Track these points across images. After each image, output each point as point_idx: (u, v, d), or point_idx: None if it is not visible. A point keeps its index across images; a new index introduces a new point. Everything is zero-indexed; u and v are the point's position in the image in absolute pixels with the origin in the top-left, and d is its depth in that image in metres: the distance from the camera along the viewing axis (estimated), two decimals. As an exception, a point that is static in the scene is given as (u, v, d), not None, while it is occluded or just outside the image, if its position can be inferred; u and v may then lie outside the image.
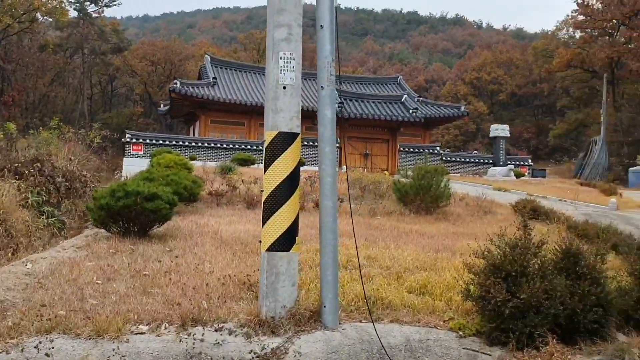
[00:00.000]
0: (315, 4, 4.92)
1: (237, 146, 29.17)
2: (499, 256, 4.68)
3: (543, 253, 4.84)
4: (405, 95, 34.25)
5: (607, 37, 44.84)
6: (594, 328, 4.44)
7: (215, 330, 4.58)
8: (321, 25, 4.89)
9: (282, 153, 4.65)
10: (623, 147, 42.14)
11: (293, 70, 4.75)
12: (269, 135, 4.72)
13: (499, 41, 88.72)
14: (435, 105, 37.90)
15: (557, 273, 4.70)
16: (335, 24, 4.93)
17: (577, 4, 45.15)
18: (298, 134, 4.77)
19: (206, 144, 29.64)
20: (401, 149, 31.93)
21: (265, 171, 4.73)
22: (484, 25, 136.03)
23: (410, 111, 31.60)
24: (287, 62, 4.73)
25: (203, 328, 4.61)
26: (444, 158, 32.87)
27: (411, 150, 31.72)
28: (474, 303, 4.77)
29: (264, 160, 4.76)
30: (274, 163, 4.66)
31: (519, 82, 64.22)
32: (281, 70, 4.72)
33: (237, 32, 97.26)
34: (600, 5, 43.69)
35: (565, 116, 56.87)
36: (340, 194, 16.42)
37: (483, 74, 65.73)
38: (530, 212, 13.71)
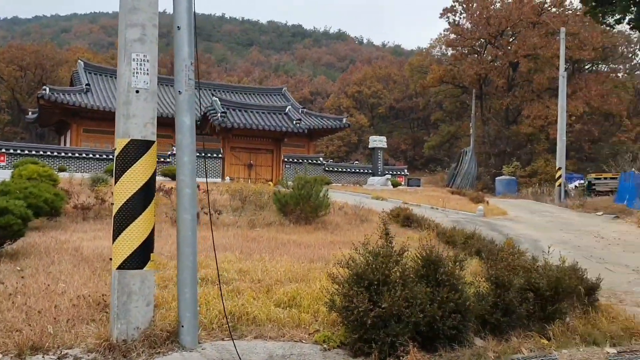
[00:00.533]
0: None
1: (111, 156, 27.66)
2: (361, 265, 4.65)
3: (404, 261, 4.88)
4: (289, 106, 34.42)
5: (476, 55, 48.22)
6: (452, 334, 4.52)
7: (58, 358, 4.12)
8: (178, 27, 4.63)
9: (135, 163, 4.30)
10: (490, 158, 45.38)
11: (147, 73, 4.43)
12: (119, 143, 4.35)
13: (378, 57, 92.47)
14: (318, 116, 38.47)
15: (418, 280, 4.76)
16: (193, 26, 4.68)
17: (449, 23, 48.29)
18: (153, 141, 4.45)
19: (77, 154, 27.90)
20: (285, 159, 32.01)
21: (115, 183, 4.35)
22: (365, 41, 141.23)
23: (294, 122, 31.78)
24: (140, 64, 4.40)
25: (43, 356, 4.12)
26: (326, 168, 33.41)
27: (295, 160, 31.91)
28: (339, 314, 4.70)
29: (114, 170, 4.38)
30: (126, 173, 4.30)
31: (396, 96, 67.30)
32: (134, 72, 4.38)
33: (115, 38, 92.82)
34: (469, 25, 46.95)
35: (439, 129, 60.30)
36: (219, 205, 15.96)
37: (364, 87, 68.06)
38: (404, 219, 14.19)
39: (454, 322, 4.52)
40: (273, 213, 14.27)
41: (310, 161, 32.59)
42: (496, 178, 38.28)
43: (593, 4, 11.47)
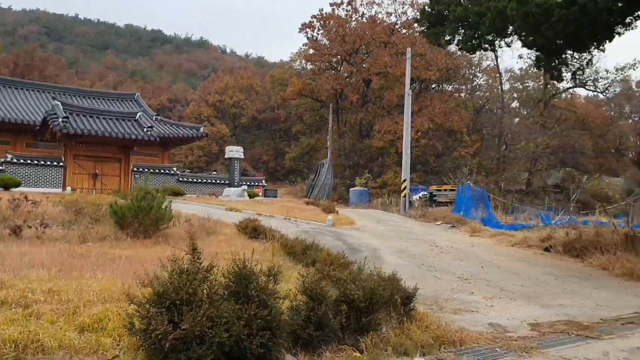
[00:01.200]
0: None
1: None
2: (163, 283, 4.27)
3: (214, 277, 4.58)
4: (140, 113, 32.77)
5: (333, 71, 49.71)
6: (261, 353, 4.30)
7: None
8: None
9: None
10: (346, 170, 46.89)
11: None
12: None
13: (241, 67, 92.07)
14: (174, 125, 37.16)
15: (227, 297, 4.48)
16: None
17: (308, 38, 49.34)
18: None
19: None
20: (135, 169, 30.40)
21: None
22: (228, 50, 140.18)
23: (145, 129, 30.28)
24: None
25: None
26: (181, 179, 32.27)
27: (146, 170, 30.40)
28: (138, 337, 4.27)
29: None
30: None
31: (259, 107, 67.45)
32: None
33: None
34: (326, 41, 48.29)
35: (299, 141, 61.33)
36: (50, 217, 14.52)
37: (226, 97, 67.31)
38: (252, 231, 13.94)
39: (262, 340, 4.29)
40: (110, 226, 13.29)
41: (163, 171, 31.30)
42: (350, 189, 39.57)
43: (427, 24, 12.14)
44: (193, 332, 4.05)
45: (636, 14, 10.12)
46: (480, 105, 52.18)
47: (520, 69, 55.44)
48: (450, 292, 8.32)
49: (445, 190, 28.72)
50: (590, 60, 11.73)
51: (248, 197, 28.93)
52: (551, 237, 14.44)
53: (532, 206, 35.10)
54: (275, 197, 33.45)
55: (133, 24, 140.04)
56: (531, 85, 55.75)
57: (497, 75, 50.80)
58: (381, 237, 16.07)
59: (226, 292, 4.60)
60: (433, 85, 51.11)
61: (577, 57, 11.81)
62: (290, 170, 61.01)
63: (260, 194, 33.17)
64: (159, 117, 36.94)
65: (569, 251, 13.11)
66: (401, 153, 30.53)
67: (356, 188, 38.76)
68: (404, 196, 27.18)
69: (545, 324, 6.34)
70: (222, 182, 33.80)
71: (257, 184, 35.69)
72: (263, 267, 7.81)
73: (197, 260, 4.55)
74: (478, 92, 57.14)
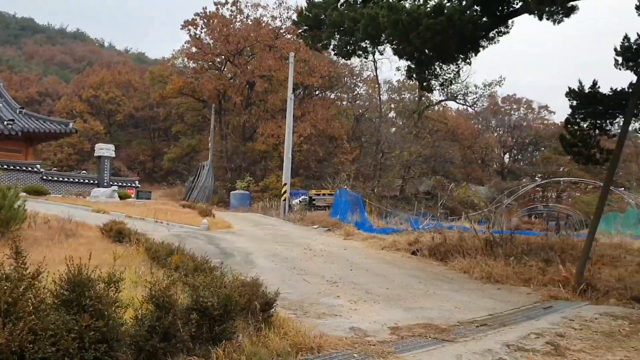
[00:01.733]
0: None
1: None
2: (-25, 293, 3.67)
3: (45, 284, 4.04)
4: (1, 105, 29.95)
5: (216, 71, 48.75)
6: (94, 368, 3.84)
7: None
8: None
9: None
10: (227, 173, 46.11)
11: None
12: None
13: (120, 62, 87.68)
14: (40, 119, 34.32)
15: (58, 307, 3.97)
16: None
17: (190, 36, 47.97)
18: None
19: None
20: (-8, 165, 27.70)
21: None
22: (107, 44, 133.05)
23: (5, 123, 27.70)
24: None
25: None
26: (45, 177, 29.91)
27: (6, 167, 27.78)
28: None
29: None
30: None
31: (136, 105, 64.56)
32: None
33: None
34: (210, 40, 47.27)
35: (179, 141, 59.44)
36: None
37: (101, 92, 63.71)
38: (117, 234, 13.06)
39: (97, 354, 3.84)
40: (-51, 227, 11.82)
41: (24, 168, 28.80)
42: (231, 192, 38.97)
43: (305, 27, 12.07)
44: (9, 348, 3.51)
45: (499, 29, 10.75)
46: (360, 113, 53.73)
47: (398, 81, 58.09)
48: (317, 295, 8.22)
49: (324, 194, 29.11)
50: (458, 72, 12.28)
51: (119, 199, 27.38)
52: (418, 241, 15.00)
53: (404, 211, 36.66)
54: (149, 199, 31.98)
55: (1, 11, 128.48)
56: (407, 96, 58.50)
57: (376, 85, 52.70)
58: (257, 241, 15.80)
59: (57, 301, 4.09)
60: (316, 92, 51.85)
61: (445, 68, 12.32)
62: (169, 172, 58.96)
63: (132, 195, 31.55)
64: (24, 111, 33.98)
65: (434, 255, 13.64)
66: (284, 157, 30.51)
67: (237, 191, 38.26)
68: (284, 200, 27.16)
69: (405, 328, 6.39)
70: (91, 182, 31.76)
71: (129, 184, 33.99)
72: (124, 274, 7.24)
73: (22, 266, 3.98)
74: (358, 101, 58.87)
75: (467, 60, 11.95)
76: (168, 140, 64.87)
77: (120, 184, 32.26)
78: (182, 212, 24.65)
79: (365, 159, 48.88)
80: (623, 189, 55.47)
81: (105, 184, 30.57)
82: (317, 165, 46.64)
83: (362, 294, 8.52)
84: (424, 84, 12.55)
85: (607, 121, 11.06)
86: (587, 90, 11.25)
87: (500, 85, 52.44)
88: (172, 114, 61.39)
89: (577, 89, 11.20)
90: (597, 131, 10.94)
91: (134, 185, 34.47)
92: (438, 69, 12.36)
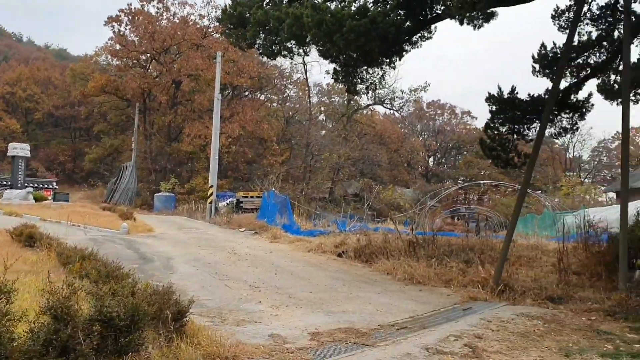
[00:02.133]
0: None
1: None
2: None
3: None
4: None
5: (141, 69, 47.19)
6: (-24, 390, 3.45)
7: None
8: None
9: None
10: (152, 174, 44.72)
11: None
12: None
13: (39, 58, 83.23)
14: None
15: None
16: None
17: (114, 32, 46.21)
18: None
19: None
20: None
21: None
22: (25, 39, 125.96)
23: None
24: None
25: None
26: (-50, 178, 27.84)
27: None
28: None
29: None
30: None
31: (56, 103, 61.58)
32: None
33: None
34: (135, 37, 45.70)
35: (102, 141, 57.14)
36: None
37: (18, 89, 60.32)
38: (28, 238, 12.26)
39: (-20, 375, 3.45)
40: None
41: None
42: (155, 194, 37.80)
43: (229, 25, 11.77)
44: None
45: (422, 33, 10.89)
46: (290, 115, 53.64)
47: (328, 84, 58.40)
48: (238, 301, 7.96)
49: (252, 197, 28.73)
50: (383, 76, 12.36)
51: (34, 201, 25.90)
52: (344, 243, 15.00)
53: (333, 213, 36.87)
54: (67, 201, 30.46)
55: None
56: (337, 100, 58.93)
57: (307, 88, 52.79)
58: (179, 245, 15.30)
59: None
60: (246, 93, 51.31)
61: (371, 72, 12.36)
62: (90, 173, 56.54)
63: (49, 197, 29.93)
64: None
65: (359, 256, 13.67)
66: (210, 158, 29.87)
67: (162, 194, 37.17)
68: (210, 202, 26.58)
69: (326, 333, 6.27)
70: (4, 183, 29.88)
71: (46, 186, 32.29)
72: (33, 281, 6.74)
73: None
74: (289, 103, 58.80)
75: (392, 65, 12.06)
76: (90, 140, 62.22)
77: (36, 185, 30.55)
78: (102, 215, 23.62)
79: (295, 161, 48.79)
80: (540, 192, 58.31)
81: (20, 185, 28.86)
82: (246, 167, 46.12)
83: (284, 298, 8.34)
84: (350, 87, 12.55)
85: (525, 126, 11.45)
86: (506, 96, 11.60)
87: (425, 91, 53.91)
88: (94, 112, 58.90)
89: (496, 95, 11.53)
90: (515, 136, 11.29)
91: (51, 186, 32.80)
92: (364, 72, 12.40)
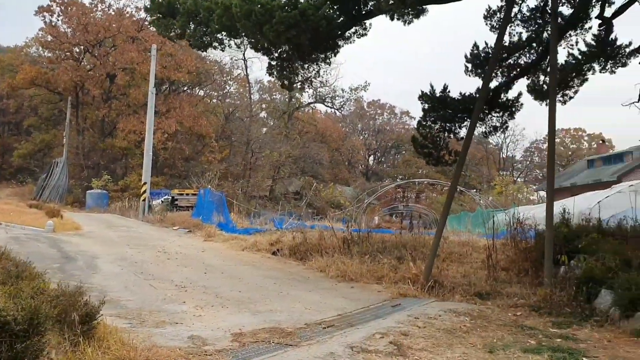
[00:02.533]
0: None
1: None
2: None
3: None
4: None
5: (74, 62, 45.24)
6: None
7: None
8: None
9: None
10: (84, 170, 43.03)
11: None
12: None
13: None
14: None
15: None
16: None
17: (45, 23, 44.12)
18: None
19: None
20: None
21: None
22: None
23: None
24: None
25: None
26: None
27: None
28: None
29: None
30: None
31: (-17, 95, 58.25)
32: None
33: None
34: (67, 29, 43.81)
35: (32, 136, 54.51)
36: None
37: (-62, 80, 56.61)
38: None
39: None
40: None
41: None
42: (87, 191, 36.40)
43: (159, 15, 11.33)
44: None
45: (356, 29, 10.82)
46: (230, 112, 52.83)
47: (269, 81, 57.88)
48: (161, 302, 7.62)
49: (187, 194, 28.06)
50: (318, 72, 12.25)
51: (-48, 198, 24.34)
52: (280, 241, 14.81)
53: (273, 211, 36.59)
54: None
55: None
56: (278, 97, 58.57)
57: (247, 84, 52.18)
58: (106, 244, 14.68)
59: None
60: (184, 88, 50.15)
61: (306, 67, 12.21)
62: (19, 169, 53.77)
63: (-29, 194, 28.26)
64: None
65: (294, 254, 13.51)
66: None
67: (94, 191, 35.85)
68: (144, 200, 25.77)
69: (249, 333, 6.05)
70: None
71: (-32, 182, 30.41)
72: None
73: None
74: (229, 100, 57.90)
75: (327, 61, 11.95)
76: (19, 135, 59.12)
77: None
78: (27, 213, 22.49)
79: (235, 158, 48.10)
80: (475, 190, 59.96)
81: None
82: (183, 164, 45.04)
83: (211, 298, 8.06)
84: (285, 81, 12.36)
85: (456, 124, 11.59)
86: (438, 94, 11.71)
87: (365, 90, 54.36)
88: (24, 106, 56.03)
89: (428, 93, 11.61)
90: (446, 134, 11.41)
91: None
92: (299, 68, 12.23)
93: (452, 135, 11.37)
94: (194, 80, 47.59)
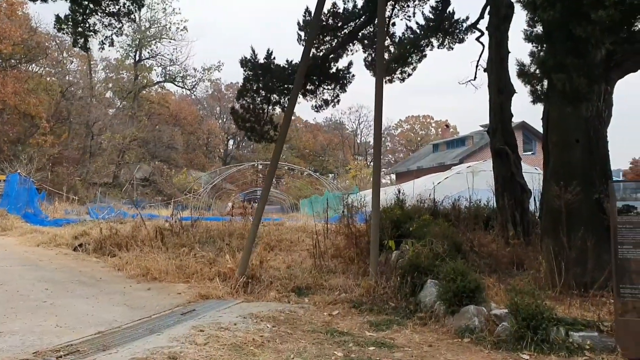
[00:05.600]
0: None
1: None
2: None
3: None
4: None
5: None
6: None
7: None
8: None
9: None
10: None
11: None
12: None
13: None
14: None
15: None
16: None
17: None
18: None
19: None
20: None
21: None
22: None
23: None
24: None
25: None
26: None
27: None
28: None
29: None
30: None
31: None
32: None
33: None
34: None
35: None
36: None
37: None
38: None
39: None
40: None
41: None
42: None
43: None
44: None
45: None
46: (66, 90, 47.63)
47: (116, 59, 53.19)
48: None
49: None
50: (121, 29, 10.16)
51: None
52: (86, 234, 12.58)
53: (117, 199, 33.41)
54: None
55: None
56: (125, 75, 54.15)
57: (91, 61, 47.43)
58: None
59: None
60: (12, 61, 44.20)
61: (106, 22, 10.12)
62: None
63: None
64: None
65: (100, 249, 11.42)
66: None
67: None
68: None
69: None
70: None
71: None
72: None
73: None
74: (71, 77, 52.36)
75: (131, 16, 9.98)
76: None
77: None
78: None
79: (73, 141, 43.49)
80: (332, 174, 60.34)
81: None
82: (10, 147, 39.72)
83: None
84: (79, 39, 10.13)
85: (283, 96, 10.18)
86: (262, 61, 10.22)
87: (219, 70, 51.94)
88: None
89: (251, 58, 10.07)
90: (270, 106, 9.96)
91: None
92: (97, 24, 10.10)
93: (277, 108, 9.94)
94: (23, 53, 42.06)
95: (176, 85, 51.14)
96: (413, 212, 10.87)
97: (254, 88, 9.87)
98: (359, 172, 46.11)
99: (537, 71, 5.40)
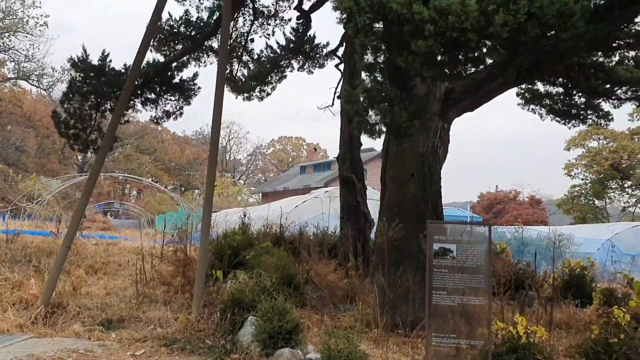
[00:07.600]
0: None
1: None
2: None
3: None
4: None
5: None
6: None
7: None
8: None
9: None
10: None
11: None
12: None
13: None
14: None
15: None
16: None
17: None
18: None
19: None
20: None
21: None
22: None
23: None
24: None
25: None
26: None
27: None
28: None
29: None
30: None
31: None
32: None
33: None
34: None
35: None
36: None
37: None
38: None
39: None
40: None
41: None
42: None
43: None
44: None
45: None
46: None
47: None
48: None
49: None
50: None
51: None
52: None
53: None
54: None
55: None
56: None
57: None
58: None
59: None
60: None
61: None
62: None
63: None
64: None
65: None
66: None
67: None
68: None
69: None
70: None
71: None
72: None
73: None
74: None
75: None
76: None
77: None
78: None
79: None
80: (198, 190, 58.57)
81: None
82: None
83: None
84: None
85: (114, 102, 9.20)
86: (95, 62, 9.18)
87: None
88: None
89: (81, 58, 9.01)
90: (99, 113, 8.93)
91: None
92: None
93: (105, 115, 8.94)
94: None
95: (30, 84, 46.86)
96: (256, 238, 10.35)
97: (83, 92, 8.80)
98: (225, 189, 45.08)
99: (365, 101, 5.14)
